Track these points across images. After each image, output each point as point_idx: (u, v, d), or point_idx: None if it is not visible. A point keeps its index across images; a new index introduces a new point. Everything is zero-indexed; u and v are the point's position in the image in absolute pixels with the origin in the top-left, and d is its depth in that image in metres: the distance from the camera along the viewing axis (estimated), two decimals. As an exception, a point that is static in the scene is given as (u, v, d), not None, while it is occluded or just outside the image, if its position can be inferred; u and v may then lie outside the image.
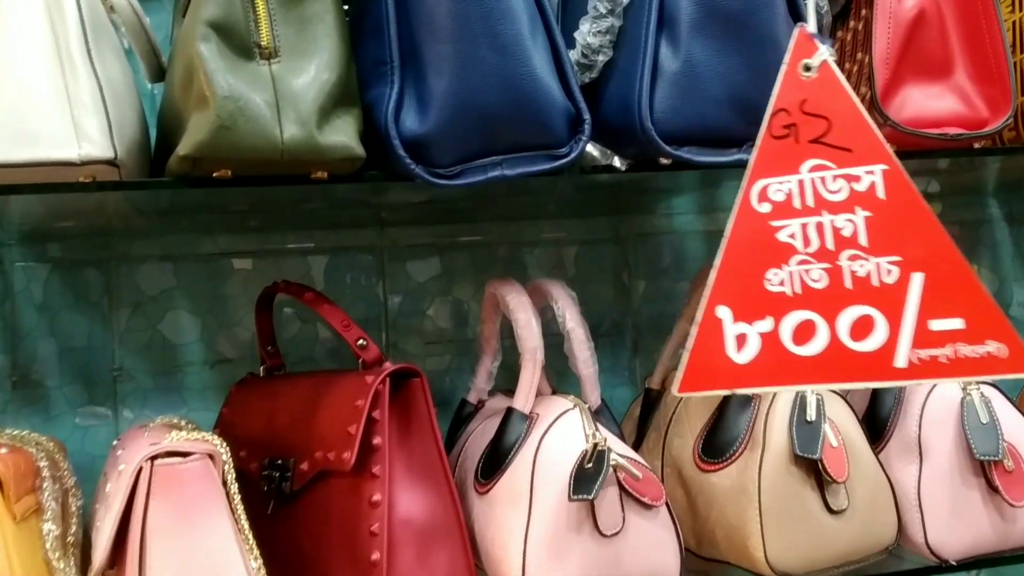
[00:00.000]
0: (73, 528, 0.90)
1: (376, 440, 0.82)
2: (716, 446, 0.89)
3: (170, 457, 0.78)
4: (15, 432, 0.89)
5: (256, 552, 0.80)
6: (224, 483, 0.79)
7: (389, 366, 0.84)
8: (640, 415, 1.04)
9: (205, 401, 1.06)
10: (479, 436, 0.93)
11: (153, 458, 0.77)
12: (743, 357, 0.68)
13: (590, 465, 0.79)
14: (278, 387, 0.96)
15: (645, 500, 0.82)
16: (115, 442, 0.91)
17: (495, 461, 0.86)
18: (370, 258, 1.11)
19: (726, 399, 0.90)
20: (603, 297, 1.15)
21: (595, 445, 0.81)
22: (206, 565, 0.77)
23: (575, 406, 0.85)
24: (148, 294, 1.07)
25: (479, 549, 0.87)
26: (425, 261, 1.12)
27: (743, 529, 0.84)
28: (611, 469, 0.79)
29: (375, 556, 0.80)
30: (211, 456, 0.79)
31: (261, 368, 1.00)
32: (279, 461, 0.89)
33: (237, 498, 0.80)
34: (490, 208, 1.10)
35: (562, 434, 0.83)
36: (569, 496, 0.78)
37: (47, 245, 1.05)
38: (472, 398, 1.02)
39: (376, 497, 0.81)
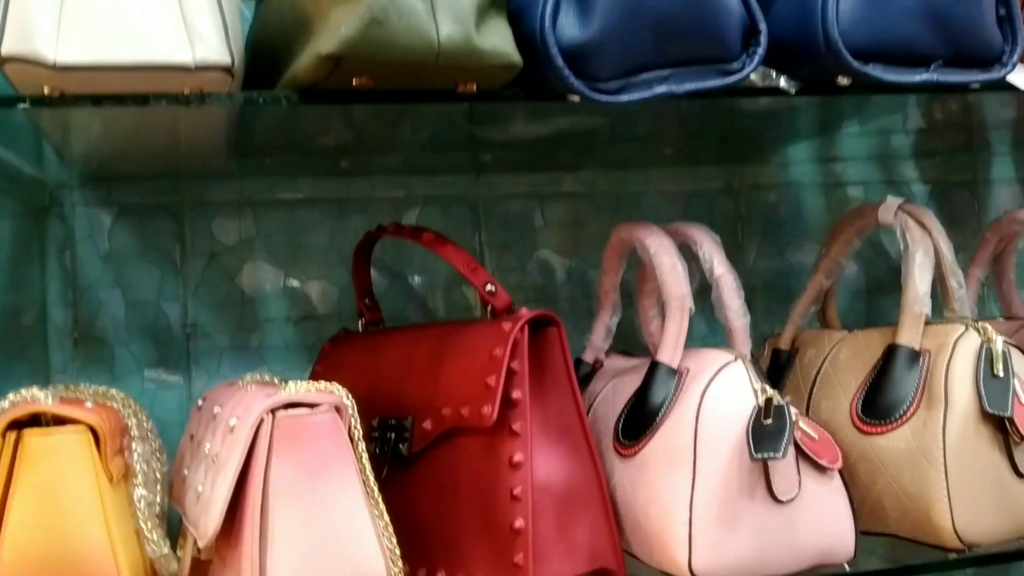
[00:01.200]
0: (159, 496, 0.79)
1: (516, 394, 0.72)
2: (881, 405, 0.79)
3: (294, 408, 0.68)
4: (95, 387, 0.78)
5: (386, 516, 0.70)
6: (351, 439, 0.70)
7: (526, 312, 0.75)
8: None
9: (288, 362, 0.96)
10: (610, 395, 0.84)
11: (274, 410, 0.67)
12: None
13: (769, 421, 0.70)
14: (382, 342, 0.86)
15: (822, 463, 0.73)
16: (200, 402, 0.81)
17: (641, 421, 0.77)
18: (465, 208, 1.01)
19: (887, 353, 0.81)
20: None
21: (769, 400, 0.72)
22: (336, 529, 0.67)
23: (736, 358, 0.76)
24: (224, 243, 0.97)
25: (623, 517, 0.77)
26: (524, 211, 1.03)
27: (924, 496, 0.75)
28: (793, 426, 0.69)
29: (519, 523, 0.70)
30: (337, 408, 0.69)
31: (360, 322, 0.90)
32: (392, 421, 0.80)
33: (365, 455, 0.70)
34: (593, 155, 1.01)
35: (726, 388, 0.74)
36: (751, 454, 0.68)
37: (112, 188, 0.95)
38: (588, 357, 0.92)
39: (518, 457, 0.71)
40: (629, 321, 0.95)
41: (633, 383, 0.81)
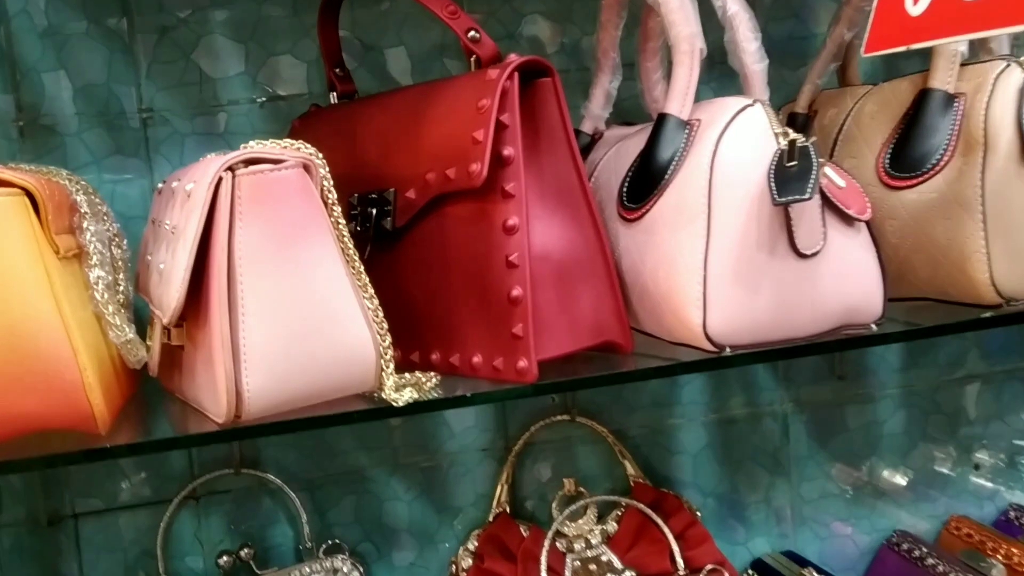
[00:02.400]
0: (122, 283, 0.73)
1: (507, 151, 0.65)
2: (911, 157, 0.72)
3: (255, 165, 0.60)
4: (40, 167, 0.70)
5: (371, 291, 0.63)
6: (324, 202, 0.62)
7: (515, 58, 0.66)
8: (783, 145, 0.87)
9: (256, 146, 0.87)
10: (612, 162, 0.76)
11: (233, 168, 0.59)
12: (918, 9, 0.61)
13: (793, 163, 0.62)
14: (357, 113, 0.78)
15: (850, 212, 0.66)
16: (159, 185, 0.73)
17: (648, 181, 0.69)
18: (444, -31, 0.90)
19: (918, 100, 0.73)
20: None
21: (792, 141, 0.64)
22: (315, 301, 0.60)
23: (755, 102, 0.67)
24: (176, 15, 0.86)
25: (629, 288, 0.71)
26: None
27: (960, 248, 0.68)
28: (819, 168, 0.62)
29: (516, 291, 0.64)
30: (306, 167, 0.61)
31: (332, 96, 0.82)
32: (373, 196, 0.72)
33: (343, 224, 0.62)
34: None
35: (743, 134, 0.66)
36: (773, 198, 0.61)
37: (44, -45, 0.84)
38: (586, 127, 0.84)
39: (512, 220, 0.64)
40: (629, 96, 0.86)
41: (637, 145, 0.73)
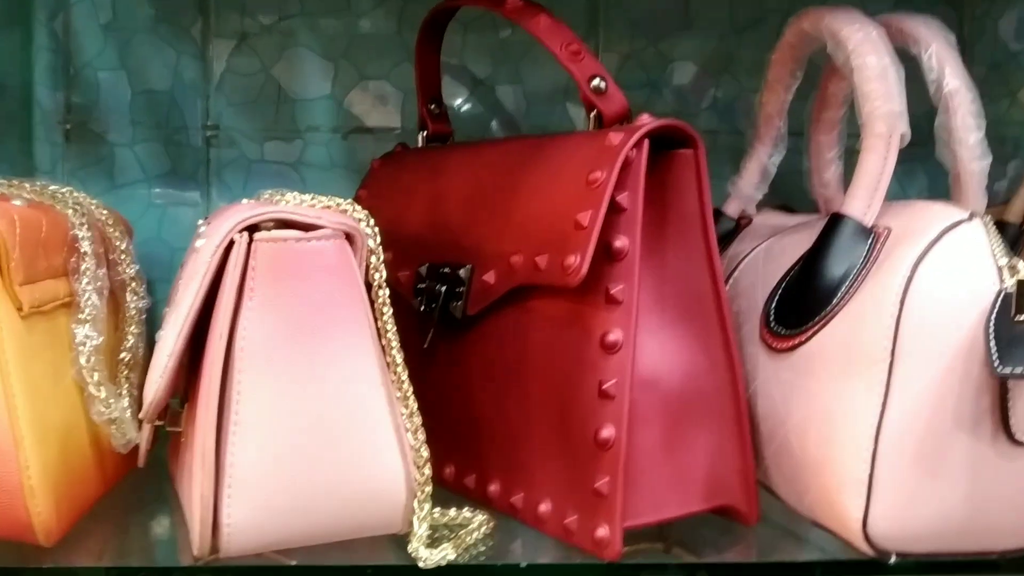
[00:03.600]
0: (131, 340, 0.59)
1: (619, 242, 0.48)
2: None
3: (284, 230, 0.45)
4: (50, 186, 0.57)
5: (413, 403, 0.47)
6: (368, 284, 0.47)
7: (648, 120, 0.49)
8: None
9: (331, 181, 0.74)
10: (760, 263, 0.58)
11: (252, 229, 0.44)
12: None
13: (1022, 318, 0.43)
14: (446, 161, 0.62)
15: (1097, 390, 0.46)
16: (199, 223, 0.59)
17: (809, 300, 0.51)
18: (581, -4, 0.75)
19: None
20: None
21: (1021, 283, 0.45)
22: (333, 415, 0.45)
23: (971, 216, 0.49)
24: (260, 22, 0.73)
25: (765, 439, 0.53)
26: (661, 3, 0.76)
27: None
28: (1063, 327, 0.43)
29: (607, 431, 0.47)
30: (348, 237, 0.46)
31: (421, 136, 0.67)
32: (445, 270, 0.56)
33: (388, 310, 0.47)
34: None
35: (952, 261, 0.47)
36: (994, 366, 0.42)
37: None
38: (731, 209, 0.66)
39: (615, 336, 0.47)
40: (791, 169, 0.68)
41: (798, 246, 0.55)
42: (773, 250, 0.58)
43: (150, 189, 0.74)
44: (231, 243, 0.44)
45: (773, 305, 0.54)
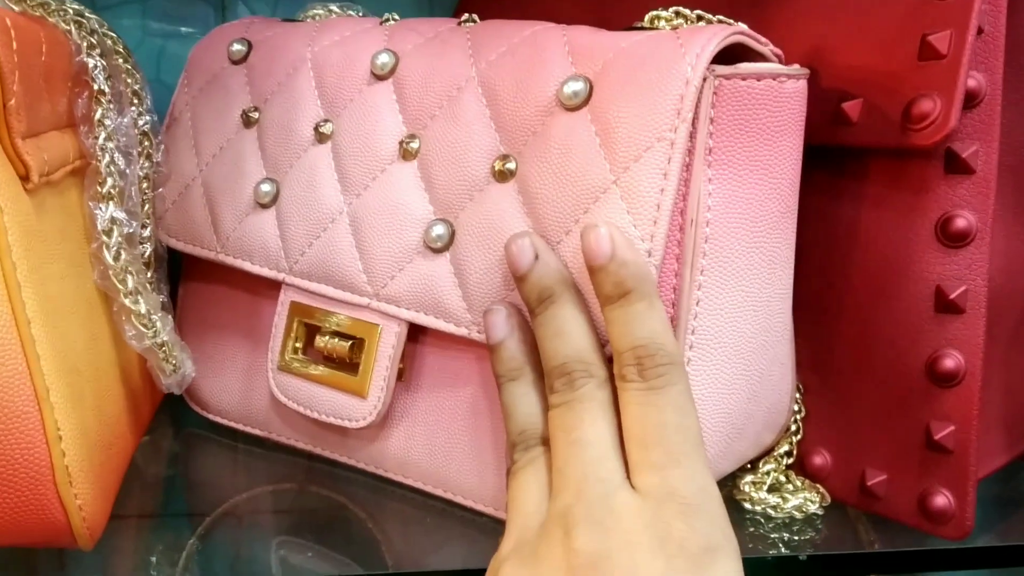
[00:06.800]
0: (148, 225, 0.40)
1: (974, 80, 0.31)
2: None
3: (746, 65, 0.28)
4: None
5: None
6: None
7: None
8: None
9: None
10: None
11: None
12: None
13: None
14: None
15: None
16: (238, 47, 0.40)
17: None
18: None
19: None
20: None
21: None
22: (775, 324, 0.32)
23: None
24: None
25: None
26: None
27: None
28: None
29: (950, 360, 0.32)
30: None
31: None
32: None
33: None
34: None
35: None
36: None
37: None
38: None
39: (963, 221, 0.32)
40: None
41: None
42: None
43: (144, 14, 0.54)
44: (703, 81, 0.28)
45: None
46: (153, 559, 0.31)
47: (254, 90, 0.38)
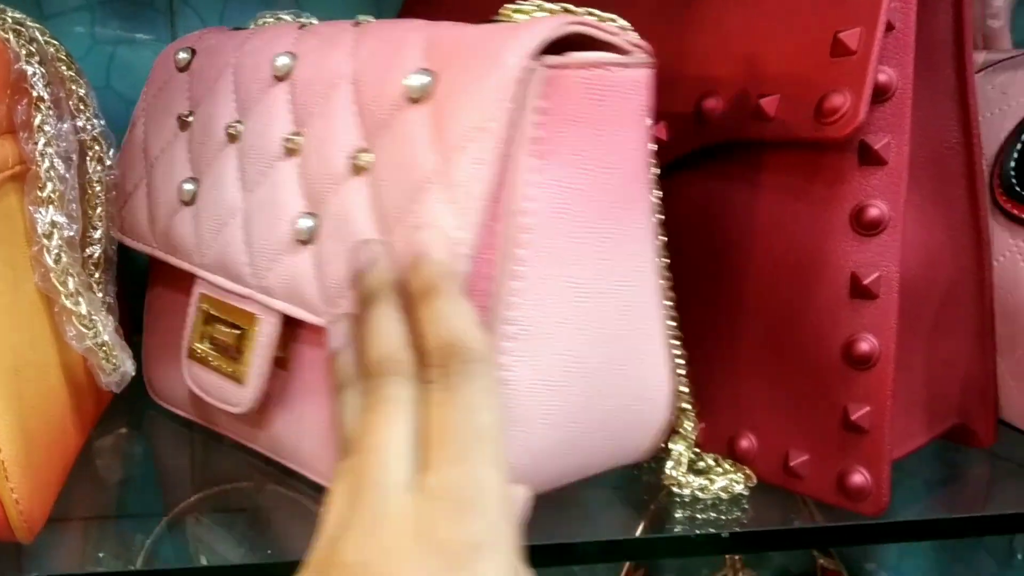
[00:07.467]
0: (99, 228, 0.41)
1: (885, 75, 0.33)
2: None
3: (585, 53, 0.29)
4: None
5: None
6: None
7: None
8: None
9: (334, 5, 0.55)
10: (985, 109, 0.44)
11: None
12: None
13: None
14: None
15: None
16: (181, 55, 0.41)
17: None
18: None
19: None
20: None
21: None
22: (613, 313, 0.32)
23: None
24: None
25: (1004, 341, 0.39)
26: None
27: None
28: None
29: (865, 343, 0.33)
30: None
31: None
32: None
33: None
34: None
35: None
36: None
37: None
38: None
39: (876, 210, 0.33)
40: None
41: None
42: (987, 93, 0.43)
43: (92, 21, 0.54)
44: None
45: (1012, 162, 0.40)
46: (100, 555, 0.32)
47: (192, 95, 0.40)
